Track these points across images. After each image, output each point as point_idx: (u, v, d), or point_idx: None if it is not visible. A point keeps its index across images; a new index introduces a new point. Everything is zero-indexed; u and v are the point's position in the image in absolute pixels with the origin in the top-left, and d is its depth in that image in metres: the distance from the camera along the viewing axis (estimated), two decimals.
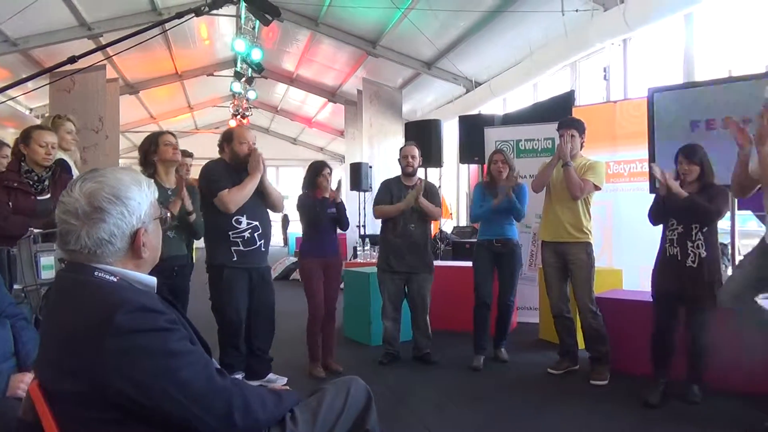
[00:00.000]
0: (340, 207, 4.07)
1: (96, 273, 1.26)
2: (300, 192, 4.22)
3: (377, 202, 4.40)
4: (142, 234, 1.30)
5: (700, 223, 3.28)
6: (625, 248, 5.27)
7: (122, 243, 1.28)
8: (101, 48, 3.14)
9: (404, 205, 4.19)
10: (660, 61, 6.56)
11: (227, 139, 3.60)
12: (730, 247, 4.56)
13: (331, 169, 4.17)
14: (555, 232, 3.97)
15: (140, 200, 1.30)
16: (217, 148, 3.68)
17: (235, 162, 3.54)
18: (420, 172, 4.64)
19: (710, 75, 5.30)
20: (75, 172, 3.43)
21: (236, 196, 3.41)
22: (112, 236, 1.26)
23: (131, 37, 2.45)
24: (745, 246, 6.23)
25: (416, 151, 4.40)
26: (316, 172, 4.08)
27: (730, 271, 4.47)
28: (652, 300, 3.53)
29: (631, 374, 3.79)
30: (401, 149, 4.46)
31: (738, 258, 4.36)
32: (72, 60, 2.21)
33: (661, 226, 3.52)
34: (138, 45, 2.41)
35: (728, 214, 4.16)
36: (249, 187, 3.45)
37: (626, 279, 4.83)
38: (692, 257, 3.29)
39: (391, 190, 4.34)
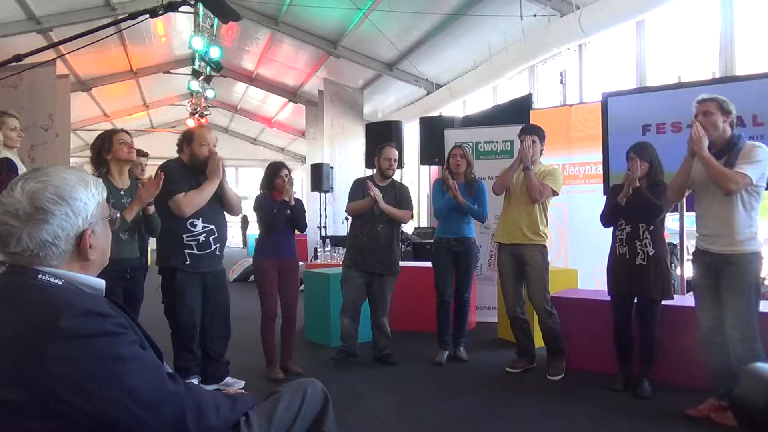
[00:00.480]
0: (296, 208, 4.03)
1: (39, 276, 1.21)
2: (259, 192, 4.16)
3: (350, 200, 4.38)
4: (88, 235, 1.25)
5: (646, 222, 3.41)
6: (580, 249, 5.41)
7: (67, 245, 1.23)
8: (51, 46, 3.02)
9: (367, 201, 4.17)
10: (614, 66, 6.76)
11: (187, 139, 3.48)
12: (679, 246, 4.72)
13: (289, 170, 4.12)
14: (512, 234, 4.04)
15: (87, 200, 1.26)
16: (176, 148, 3.56)
17: (193, 163, 3.43)
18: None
19: (661, 80, 5.48)
20: (21, 171, 3.28)
21: (192, 200, 3.31)
22: (56, 238, 1.21)
23: (84, 36, 2.36)
24: (694, 246, 6.48)
25: (397, 154, 4.41)
26: (274, 173, 4.03)
27: (679, 271, 4.64)
28: (609, 298, 3.64)
29: (587, 371, 3.89)
30: (382, 150, 4.38)
31: (687, 258, 4.53)
32: (17, 58, 2.11)
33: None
34: (89, 41, 2.32)
35: (677, 215, 4.33)
36: (206, 192, 3.36)
37: (581, 279, 4.95)
38: (641, 255, 3.41)
39: (362, 189, 4.32)
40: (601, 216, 3.68)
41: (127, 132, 3.30)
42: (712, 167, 2.84)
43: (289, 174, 4.07)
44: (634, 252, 3.44)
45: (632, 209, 3.43)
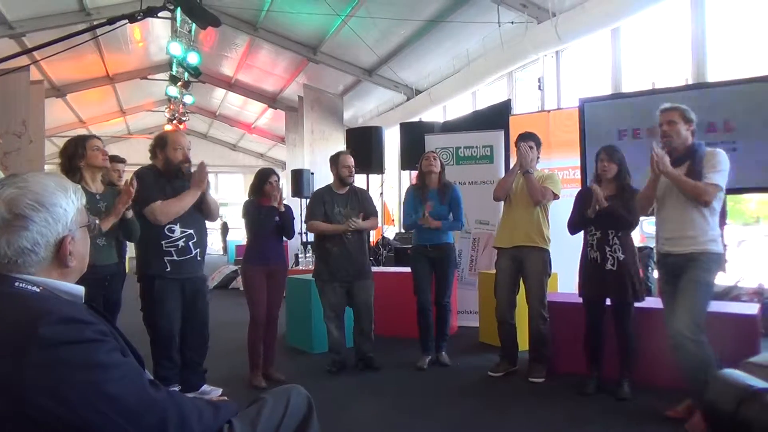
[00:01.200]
0: (285, 215, 4.01)
1: (16, 284, 1.18)
2: (244, 198, 4.14)
3: (311, 216, 4.26)
4: (68, 242, 1.24)
5: (615, 229, 3.50)
6: (560, 252, 5.45)
7: (46, 252, 1.21)
8: (27, 52, 2.97)
9: (341, 229, 4.15)
10: (590, 72, 6.87)
11: (160, 144, 3.41)
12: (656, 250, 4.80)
13: (278, 177, 4.13)
14: (514, 237, 4.05)
15: (66, 207, 1.24)
16: (150, 155, 3.49)
17: (168, 169, 3.38)
18: (361, 179, 4.63)
19: (636, 86, 5.60)
20: None
21: (169, 209, 3.25)
22: (35, 245, 1.19)
23: (59, 42, 2.32)
24: None
25: (353, 161, 4.36)
26: (263, 180, 4.01)
27: (656, 274, 4.71)
28: (581, 301, 3.70)
29: (567, 373, 3.92)
30: (338, 158, 4.30)
31: None
32: None
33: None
34: (64, 45, 2.29)
35: (653, 219, 4.40)
36: (185, 202, 3.29)
37: (560, 282, 5.00)
38: (611, 261, 3.48)
39: (324, 202, 4.25)
40: (568, 224, 3.75)
41: (98, 138, 3.27)
42: (683, 183, 2.92)
43: (278, 180, 4.07)
44: (604, 257, 3.51)
45: (603, 219, 3.48)
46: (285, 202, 4.04)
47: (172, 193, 3.34)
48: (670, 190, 3.04)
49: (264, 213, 3.95)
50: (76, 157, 3.10)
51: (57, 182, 1.26)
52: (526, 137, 4.17)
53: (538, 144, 4.15)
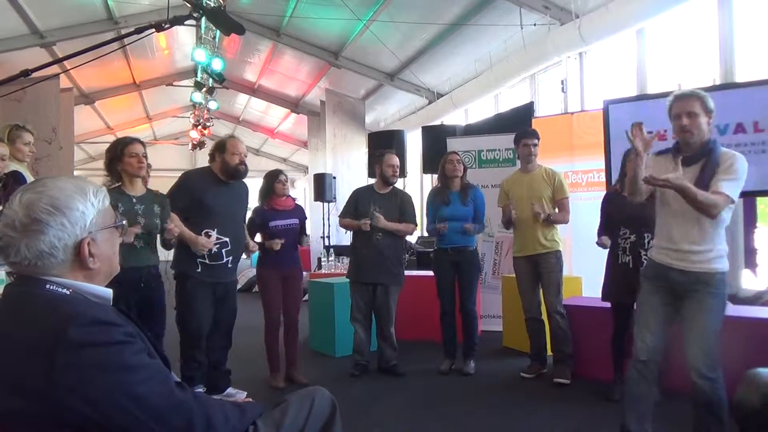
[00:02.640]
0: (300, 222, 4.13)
1: (47, 286, 1.21)
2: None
3: (343, 213, 4.41)
4: (86, 245, 1.24)
5: (651, 231, 3.27)
6: (584, 256, 5.38)
7: (65, 255, 1.23)
8: (58, 61, 3.03)
9: (355, 225, 4.22)
10: (615, 74, 6.77)
11: (219, 149, 3.56)
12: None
13: (286, 177, 4.20)
14: (528, 247, 4.10)
15: (84, 210, 1.25)
16: (209, 158, 3.65)
17: (224, 171, 3.54)
18: None
19: (662, 88, 5.50)
20: None
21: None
22: (53, 248, 1.21)
23: (89, 51, 2.37)
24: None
25: (398, 161, 4.41)
26: (273, 179, 4.11)
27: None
28: (608, 305, 3.65)
29: (592, 378, 3.87)
30: (383, 157, 4.36)
31: None
32: (26, 74, 2.12)
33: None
34: (93, 54, 2.33)
35: None
36: (184, 234, 3.34)
37: (585, 286, 4.93)
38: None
39: (358, 201, 4.32)
40: (598, 232, 3.72)
41: (141, 142, 3.21)
42: (693, 196, 2.40)
43: (287, 180, 4.18)
44: (638, 261, 3.40)
45: (637, 221, 3.39)
46: (303, 205, 4.14)
47: (227, 193, 3.53)
48: (679, 197, 2.54)
49: (272, 217, 4.01)
50: (115, 159, 3.13)
51: (76, 185, 1.27)
52: (532, 134, 4.24)
53: (538, 139, 4.22)
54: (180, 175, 3.60)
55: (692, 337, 2.51)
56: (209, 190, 3.47)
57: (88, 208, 1.26)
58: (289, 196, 4.17)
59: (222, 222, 3.42)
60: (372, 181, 4.57)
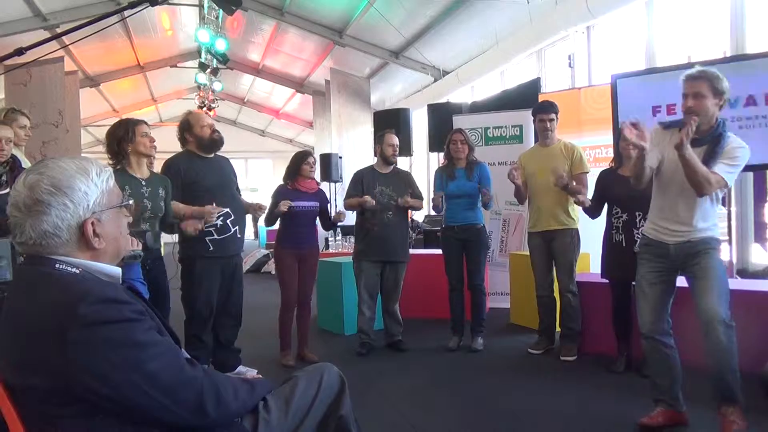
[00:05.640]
0: (323, 206, 4.14)
1: (57, 265, 1.22)
2: (274, 183, 4.21)
3: (347, 195, 4.41)
4: (90, 225, 1.25)
5: (643, 210, 3.26)
6: (592, 233, 5.36)
7: (69, 235, 1.24)
8: (54, 38, 3.01)
9: (355, 203, 4.25)
10: (623, 48, 6.67)
11: (186, 127, 3.51)
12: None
13: (315, 159, 4.20)
14: (544, 223, 4.07)
15: (87, 190, 1.25)
16: (180, 143, 3.57)
17: (203, 146, 3.50)
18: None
19: (671, 61, 5.41)
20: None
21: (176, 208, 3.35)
22: (56, 228, 1.22)
23: (86, 27, 2.35)
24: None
25: (397, 140, 4.42)
26: (301, 160, 4.09)
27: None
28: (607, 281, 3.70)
29: (599, 353, 3.89)
30: (384, 137, 4.39)
31: None
32: (19, 52, 2.11)
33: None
34: (95, 34, 2.32)
35: None
36: (180, 209, 3.35)
37: (593, 263, 4.92)
38: (638, 243, 3.24)
39: (362, 182, 4.32)
40: (590, 208, 3.74)
41: (146, 123, 3.23)
42: (694, 167, 2.46)
43: (315, 162, 4.17)
44: (631, 240, 3.44)
45: (630, 201, 3.39)
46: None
47: (212, 168, 3.50)
48: (678, 175, 2.61)
49: (295, 196, 4.00)
50: (124, 140, 3.09)
51: (78, 165, 1.27)
52: (547, 109, 4.15)
53: (557, 112, 4.17)
54: (162, 165, 3.49)
55: (707, 287, 2.55)
56: (195, 168, 3.44)
57: (91, 188, 1.26)
58: (314, 179, 4.17)
59: (217, 195, 3.39)
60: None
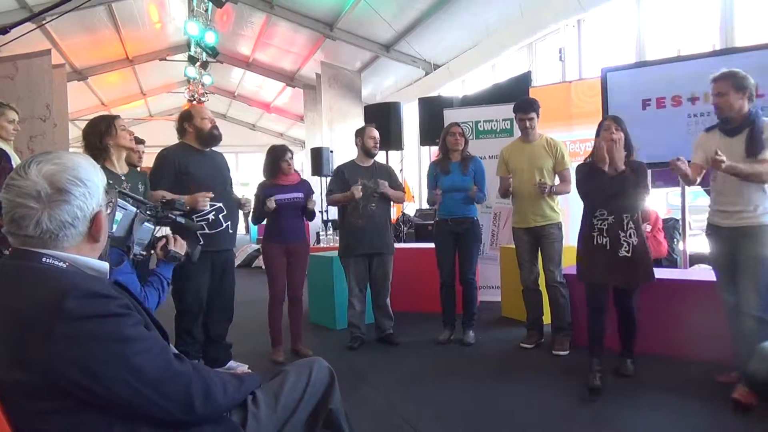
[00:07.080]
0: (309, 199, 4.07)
1: (43, 259, 1.21)
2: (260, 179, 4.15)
3: (330, 192, 4.37)
4: (102, 216, 1.28)
5: (630, 212, 3.26)
6: (578, 226, 5.39)
7: (83, 225, 1.25)
8: (34, 16, 2.96)
9: (348, 197, 4.17)
10: (613, 41, 6.69)
11: (187, 118, 3.50)
12: (681, 222, 4.72)
13: (292, 153, 4.13)
14: (528, 220, 4.08)
15: (98, 183, 1.28)
16: (178, 134, 3.55)
17: (202, 139, 3.48)
18: (380, 156, 4.62)
19: (660, 54, 5.44)
20: (15, 163, 3.26)
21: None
22: (74, 219, 1.23)
23: (66, 4, 2.30)
24: (696, 221, 6.47)
25: (377, 133, 4.41)
26: (278, 157, 4.02)
27: (681, 246, 4.62)
28: (582, 282, 3.46)
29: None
30: (365, 130, 4.37)
31: (689, 233, 4.53)
32: (3, 31, 2.07)
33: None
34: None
35: (679, 190, 4.31)
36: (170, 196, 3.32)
37: None
38: (626, 247, 3.26)
39: (344, 177, 4.28)
40: (579, 185, 3.50)
41: (120, 117, 3.29)
42: (743, 172, 2.84)
43: (292, 157, 4.10)
44: (617, 244, 3.26)
45: (618, 202, 3.25)
46: (305, 178, 4.09)
47: (207, 162, 3.49)
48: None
49: (277, 191, 3.96)
50: (106, 135, 3.09)
51: (87, 159, 1.31)
52: (526, 109, 4.11)
53: (538, 111, 4.14)
54: (156, 156, 3.49)
55: (742, 282, 2.93)
56: (190, 160, 3.42)
57: (100, 182, 1.29)
58: (295, 171, 4.15)
59: (210, 189, 3.36)
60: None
